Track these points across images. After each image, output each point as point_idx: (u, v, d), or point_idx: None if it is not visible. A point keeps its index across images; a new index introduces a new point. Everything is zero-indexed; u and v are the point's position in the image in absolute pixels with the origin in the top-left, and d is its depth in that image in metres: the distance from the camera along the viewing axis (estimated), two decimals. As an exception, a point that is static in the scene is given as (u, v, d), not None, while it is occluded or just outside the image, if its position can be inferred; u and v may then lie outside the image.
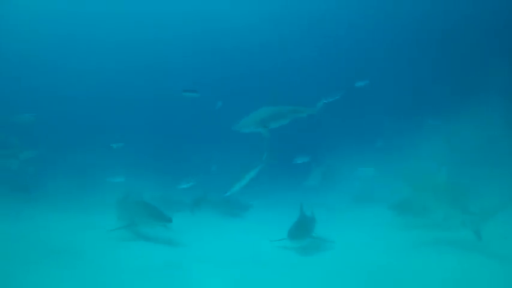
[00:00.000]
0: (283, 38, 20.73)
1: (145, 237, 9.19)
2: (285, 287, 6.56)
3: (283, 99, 10.06)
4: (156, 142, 17.43)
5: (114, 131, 14.92)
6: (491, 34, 16.64)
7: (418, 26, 18.55)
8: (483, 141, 11.40)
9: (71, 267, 6.98)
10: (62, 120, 17.15)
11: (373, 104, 16.47)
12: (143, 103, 20.00)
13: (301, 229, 8.39)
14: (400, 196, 10.13)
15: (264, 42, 20.65)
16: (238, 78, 20.15)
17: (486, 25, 16.75)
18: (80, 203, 11.94)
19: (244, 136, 10.01)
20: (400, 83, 17.37)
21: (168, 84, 19.35)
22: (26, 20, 19.12)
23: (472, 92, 13.68)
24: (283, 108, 9.84)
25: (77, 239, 8.78)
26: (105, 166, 12.81)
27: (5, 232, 8.87)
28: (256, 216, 12.12)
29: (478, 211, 8.12)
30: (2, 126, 13.21)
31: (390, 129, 14.38)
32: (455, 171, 9.65)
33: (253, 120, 9.50)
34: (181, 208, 11.05)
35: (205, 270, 7.09)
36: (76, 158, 14.64)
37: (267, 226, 10.55)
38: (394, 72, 17.66)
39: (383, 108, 16.33)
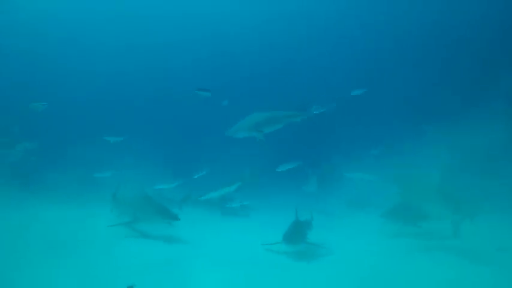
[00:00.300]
0: (286, 41, 20.85)
1: (142, 232, 9.27)
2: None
3: (278, 104, 10.22)
4: (156, 139, 17.27)
5: (116, 127, 14.88)
6: (488, 40, 16.63)
7: (413, 32, 18.61)
8: (478, 147, 11.44)
9: (68, 258, 7.19)
10: (65, 114, 17.27)
11: (368, 110, 16.53)
12: (148, 102, 20.14)
13: (297, 233, 8.47)
14: (391, 203, 10.19)
15: (267, 44, 20.84)
16: (239, 81, 20.24)
17: (482, 31, 16.74)
18: (80, 196, 12.07)
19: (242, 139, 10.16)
20: (397, 89, 17.44)
21: (170, 84, 19.63)
22: (28, 18, 19.48)
23: (469, 98, 13.73)
24: (277, 113, 9.94)
25: (75, 232, 8.94)
26: (105, 161, 12.90)
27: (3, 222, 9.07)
28: (254, 217, 12.30)
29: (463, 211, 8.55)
30: (5, 116, 13.45)
31: (386, 136, 14.40)
32: (449, 176, 9.78)
33: (247, 125, 9.59)
34: (172, 206, 11.10)
35: (201, 267, 7.25)
36: (77, 151, 14.68)
37: (263, 226, 10.75)
38: (391, 79, 17.74)
39: (379, 115, 16.40)
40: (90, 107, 18.20)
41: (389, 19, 18.95)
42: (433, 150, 11.26)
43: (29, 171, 13.38)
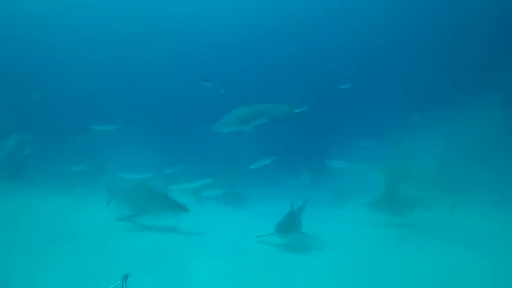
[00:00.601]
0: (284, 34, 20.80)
1: (138, 223, 9.28)
2: (272, 277, 6.78)
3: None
4: (144, 130, 17.33)
5: (107, 117, 14.78)
6: (482, 29, 16.42)
7: (406, 23, 18.45)
8: (469, 138, 11.44)
9: (63, 248, 7.33)
10: (58, 105, 17.44)
11: (359, 101, 16.46)
12: (139, 93, 20.35)
13: (289, 224, 8.47)
14: (377, 193, 10.23)
15: (265, 38, 20.86)
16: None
17: (477, 20, 16.55)
18: (74, 187, 12.29)
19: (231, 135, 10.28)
20: (390, 78, 17.37)
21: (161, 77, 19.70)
22: (26, 14, 19.72)
23: (462, 88, 13.65)
24: (261, 107, 10.06)
25: (69, 222, 9.11)
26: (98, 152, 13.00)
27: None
28: (251, 208, 12.44)
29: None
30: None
31: (378, 127, 14.39)
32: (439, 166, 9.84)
33: (233, 120, 9.70)
34: None
35: (195, 257, 7.33)
36: (71, 142, 14.82)
37: (258, 217, 10.85)
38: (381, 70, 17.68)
39: (371, 105, 16.34)
40: (82, 99, 18.27)
41: (382, 10, 18.82)
42: (424, 140, 11.27)
43: (21, 162, 13.51)
